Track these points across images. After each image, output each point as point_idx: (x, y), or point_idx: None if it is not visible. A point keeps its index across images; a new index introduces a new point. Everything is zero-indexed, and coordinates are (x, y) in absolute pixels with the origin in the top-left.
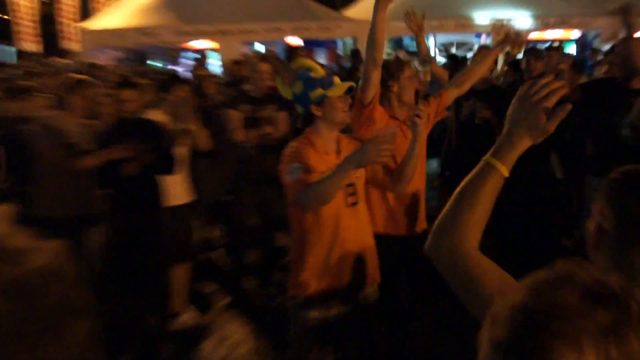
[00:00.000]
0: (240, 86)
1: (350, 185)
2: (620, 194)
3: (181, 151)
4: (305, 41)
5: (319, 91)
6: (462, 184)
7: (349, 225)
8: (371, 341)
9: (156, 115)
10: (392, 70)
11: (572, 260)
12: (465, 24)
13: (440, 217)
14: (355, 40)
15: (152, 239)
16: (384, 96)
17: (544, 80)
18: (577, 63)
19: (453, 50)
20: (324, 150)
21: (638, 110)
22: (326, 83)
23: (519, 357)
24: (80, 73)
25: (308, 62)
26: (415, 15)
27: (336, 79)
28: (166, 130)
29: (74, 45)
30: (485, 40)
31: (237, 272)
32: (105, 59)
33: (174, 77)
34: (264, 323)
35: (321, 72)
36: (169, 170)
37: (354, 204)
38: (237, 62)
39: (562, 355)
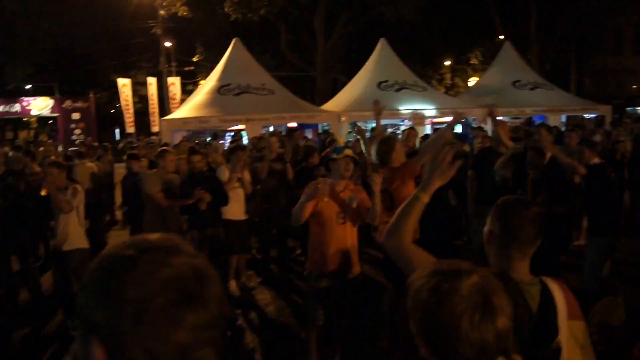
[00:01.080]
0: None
1: (342, 212)
2: (503, 212)
3: (238, 190)
4: (299, 124)
5: (333, 154)
6: (402, 205)
7: (338, 234)
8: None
9: (223, 169)
10: None
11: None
12: (395, 113)
13: (389, 225)
14: (329, 124)
15: (217, 239)
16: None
17: (447, 149)
18: (462, 137)
19: (389, 130)
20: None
21: (497, 164)
22: (337, 150)
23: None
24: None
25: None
26: (378, 103)
27: (346, 150)
28: (221, 179)
29: (156, 129)
30: (407, 123)
31: (266, 262)
32: (176, 136)
33: (237, 146)
34: (287, 290)
35: (341, 143)
36: (225, 203)
37: (343, 222)
38: (258, 138)
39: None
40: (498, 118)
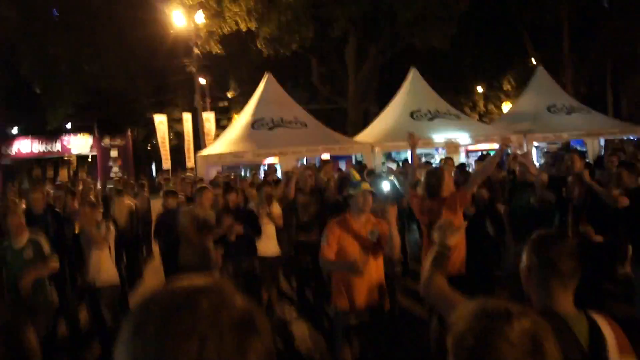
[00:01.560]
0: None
1: (364, 248)
2: (539, 246)
3: (268, 226)
4: (331, 156)
5: (350, 190)
6: (430, 262)
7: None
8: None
9: (254, 205)
10: None
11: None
12: (429, 142)
13: (425, 278)
14: (362, 155)
15: (252, 272)
16: None
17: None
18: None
19: (423, 159)
20: (354, 223)
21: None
22: (354, 185)
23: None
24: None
25: (355, 174)
26: (414, 136)
27: (363, 184)
28: (254, 214)
29: (191, 164)
30: (441, 152)
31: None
32: (211, 171)
33: (264, 182)
34: (322, 323)
35: (357, 178)
36: (258, 234)
37: (366, 258)
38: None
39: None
40: (535, 143)
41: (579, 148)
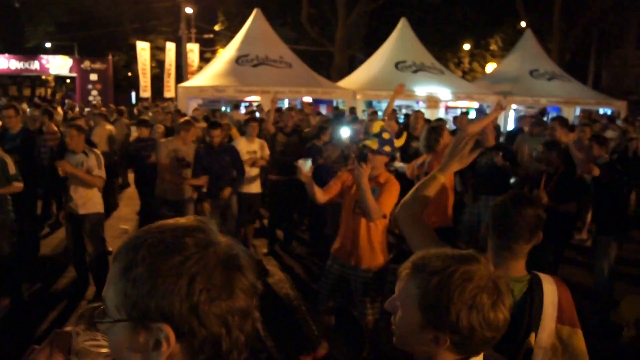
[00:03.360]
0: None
1: (356, 202)
2: (500, 210)
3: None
4: (313, 100)
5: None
6: (419, 182)
7: (350, 224)
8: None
9: (241, 140)
10: None
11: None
12: (410, 94)
13: (405, 198)
14: (344, 101)
15: (229, 209)
16: None
17: (466, 138)
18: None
19: (403, 110)
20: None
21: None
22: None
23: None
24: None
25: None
26: (402, 86)
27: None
28: (237, 151)
29: (170, 94)
30: (421, 105)
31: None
32: (191, 104)
33: (251, 118)
34: (290, 262)
35: (375, 130)
36: (242, 174)
37: (358, 214)
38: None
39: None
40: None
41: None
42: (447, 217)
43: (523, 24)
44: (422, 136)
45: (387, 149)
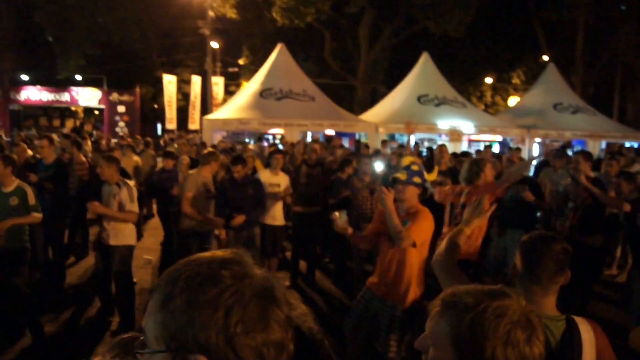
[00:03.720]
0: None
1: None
2: (525, 249)
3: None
4: (336, 132)
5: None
6: (449, 235)
7: (387, 257)
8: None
9: (265, 172)
10: None
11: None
12: (433, 128)
13: (440, 249)
14: (366, 134)
15: (252, 240)
16: None
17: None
18: (498, 156)
19: (426, 144)
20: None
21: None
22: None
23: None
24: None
25: (412, 159)
26: (412, 123)
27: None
28: (260, 183)
29: (194, 126)
30: (444, 138)
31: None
32: (216, 135)
33: (276, 150)
34: (312, 295)
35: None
36: (263, 205)
37: (392, 246)
38: (292, 144)
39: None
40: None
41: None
42: (474, 249)
43: (545, 57)
44: (463, 168)
45: (416, 180)
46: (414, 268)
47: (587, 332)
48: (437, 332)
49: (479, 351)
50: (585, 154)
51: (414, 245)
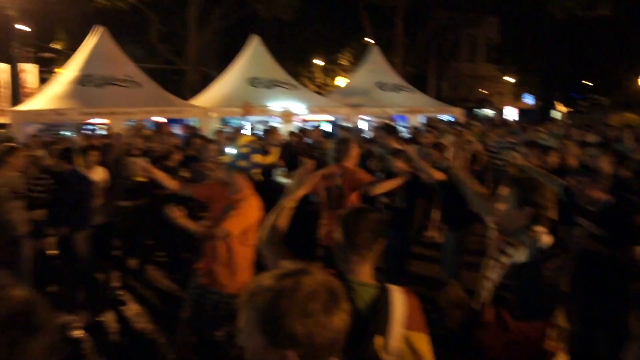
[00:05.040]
0: None
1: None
2: (343, 220)
3: None
4: (167, 119)
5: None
6: (270, 214)
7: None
8: None
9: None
10: None
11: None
12: (265, 110)
13: (262, 230)
14: (198, 119)
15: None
16: None
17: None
18: (329, 135)
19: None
20: None
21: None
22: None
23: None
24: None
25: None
26: (248, 104)
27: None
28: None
29: (5, 120)
30: (276, 120)
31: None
32: (28, 129)
33: (90, 146)
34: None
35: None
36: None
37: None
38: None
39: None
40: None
41: (402, 123)
42: None
43: (370, 40)
44: (330, 149)
45: (242, 163)
46: (238, 255)
47: (399, 296)
48: (246, 320)
49: (281, 328)
50: (387, 128)
51: (229, 235)
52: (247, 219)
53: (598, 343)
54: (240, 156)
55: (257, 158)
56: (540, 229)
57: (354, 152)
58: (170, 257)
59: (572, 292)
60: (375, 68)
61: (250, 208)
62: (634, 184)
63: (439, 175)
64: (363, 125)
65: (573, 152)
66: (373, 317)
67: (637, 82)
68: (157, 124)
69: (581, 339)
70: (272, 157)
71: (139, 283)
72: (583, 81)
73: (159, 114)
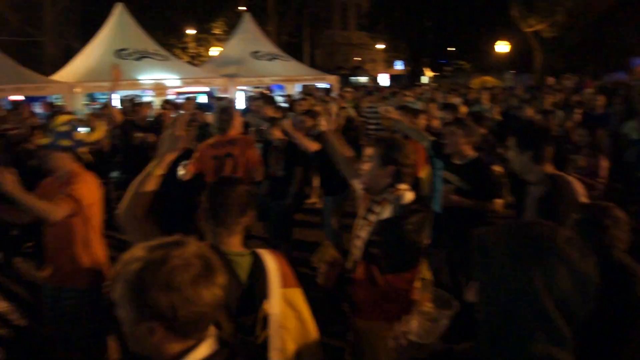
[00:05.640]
0: None
1: None
2: (210, 192)
3: None
4: (26, 97)
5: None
6: (136, 180)
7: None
8: None
9: None
10: None
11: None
12: (135, 83)
13: (124, 200)
14: (62, 96)
15: None
16: None
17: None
18: (206, 107)
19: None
20: None
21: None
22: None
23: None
24: None
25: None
26: (118, 67)
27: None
28: None
29: None
30: (149, 94)
31: None
32: None
33: None
34: None
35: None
36: None
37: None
38: None
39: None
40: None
41: (279, 92)
42: None
43: (242, 7)
44: (214, 119)
45: (64, 142)
46: (83, 240)
47: (271, 261)
48: (118, 292)
49: (147, 300)
50: (265, 98)
51: (72, 215)
52: (85, 195)
53: (462, 287)
54: (60, 135)
55: (81, 135)
56: (403, 186)
57: (238, 121)
58: (39, 247)
59: (437, 243)
60: (250, 37)
61: (86, 183)
62: (489, 140)
63: (313, 146)
64: (240, 95)
65: (434, 114)
66: (256, 284)
67: (494, 48)
68: (14, 102)
69: (449, 286)
70: (98, 134)
71: (6, 277)
72: (448, 48)
73: (16, 92)
